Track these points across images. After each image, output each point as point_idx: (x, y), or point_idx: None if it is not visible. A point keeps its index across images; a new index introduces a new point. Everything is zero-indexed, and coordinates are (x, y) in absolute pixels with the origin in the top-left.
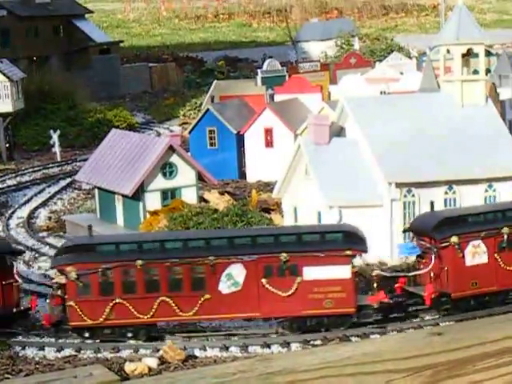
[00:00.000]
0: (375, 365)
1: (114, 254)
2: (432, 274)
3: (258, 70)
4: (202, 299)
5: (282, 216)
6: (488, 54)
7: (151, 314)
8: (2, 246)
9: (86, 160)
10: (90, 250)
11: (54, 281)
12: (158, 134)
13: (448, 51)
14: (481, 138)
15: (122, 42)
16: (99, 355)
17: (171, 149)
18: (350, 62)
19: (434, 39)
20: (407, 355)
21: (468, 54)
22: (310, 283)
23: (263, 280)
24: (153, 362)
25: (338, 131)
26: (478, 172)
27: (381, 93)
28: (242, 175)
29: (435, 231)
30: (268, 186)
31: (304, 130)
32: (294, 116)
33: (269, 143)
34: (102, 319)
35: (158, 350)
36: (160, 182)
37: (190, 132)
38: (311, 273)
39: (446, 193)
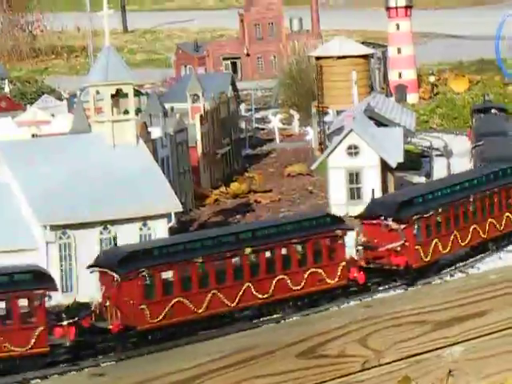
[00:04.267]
0: None
1: None
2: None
3: None
4: None
5: None
6: (138, 93)
7: None
8: None
9: None
10: None
11: None
12: None
13: (98, 92)
14: (134, 177)
15: None
16: None
17: None
18: (0, 106)
19: (84, 80)
20: None
21: (117, 95)
22: None
23: None
24: None
25: None
26: (132, 211)
27: (32, 136)
28: None
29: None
30: None
31: None
32: None
33: None
34: None
35: None
36: None
37: None
38: None
39: (102, 233)
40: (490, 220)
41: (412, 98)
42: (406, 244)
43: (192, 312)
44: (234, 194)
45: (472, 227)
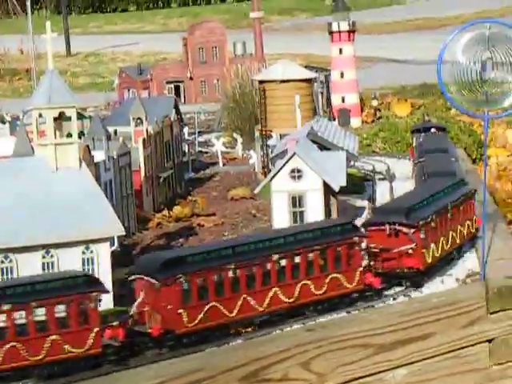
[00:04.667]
0: None
1: None
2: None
3: None
4: None
5: None
6: (81, 116)
7: None
8: None
9: None
10: None
11: None
12: None
13: (40, 115)
14: (76, 200)
15: None
16: None
17: None
18: None
19: (27, 103)
20: None
21: (60, 118)
22: None
23: None
24: None
25: None
26: (75, 235)
27: None
28: None
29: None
30: None
31: None
32: None
33: None
34: None
35: None
36: None
37: None
38: None
39: (44, 257)
40: (459, 227)
41: (355, 121)
42: (416, 247)
43: (224, 316)
44: (176, 218)
45: (451, 232)
